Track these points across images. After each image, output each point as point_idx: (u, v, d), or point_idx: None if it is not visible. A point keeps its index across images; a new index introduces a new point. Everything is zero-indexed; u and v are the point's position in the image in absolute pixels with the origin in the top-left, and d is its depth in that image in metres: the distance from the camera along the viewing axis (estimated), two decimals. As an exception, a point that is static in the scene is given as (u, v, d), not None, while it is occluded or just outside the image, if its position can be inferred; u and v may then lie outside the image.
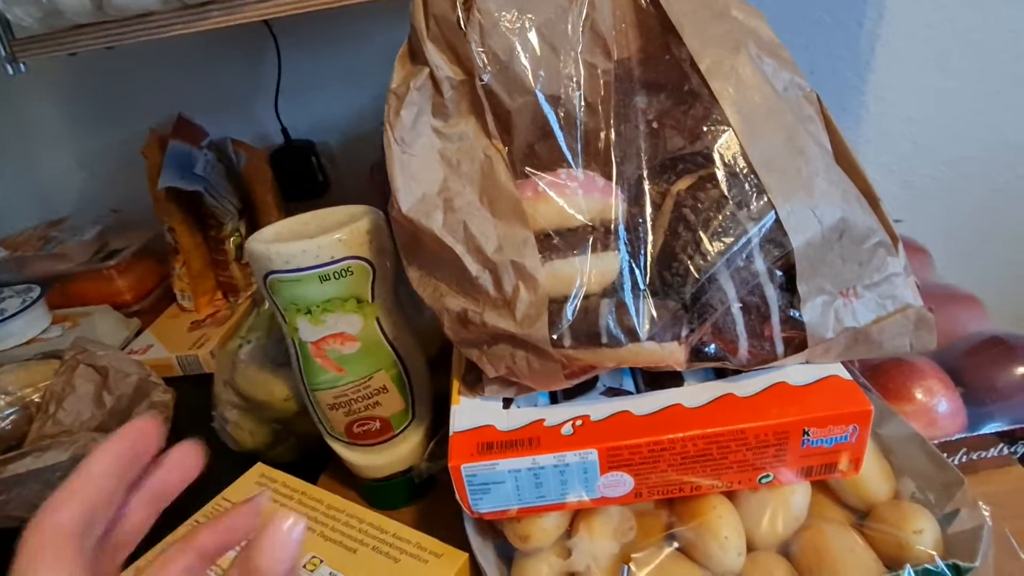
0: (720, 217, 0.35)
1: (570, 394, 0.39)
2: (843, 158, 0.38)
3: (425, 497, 0.52)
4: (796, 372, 0.37)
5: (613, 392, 0.39)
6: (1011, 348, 0.45)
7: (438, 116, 0.37)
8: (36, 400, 0.60)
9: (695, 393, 0.37)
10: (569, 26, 0.37)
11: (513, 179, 0.36)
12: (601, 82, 0.37)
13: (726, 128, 0.36)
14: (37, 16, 0.52)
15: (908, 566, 0.33)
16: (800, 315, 0.36)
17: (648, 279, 0.36)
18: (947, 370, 0.46)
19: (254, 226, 0.87)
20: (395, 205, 0.37)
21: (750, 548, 0.37)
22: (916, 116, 0.83)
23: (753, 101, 0.36)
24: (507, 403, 0.39)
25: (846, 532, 0.37)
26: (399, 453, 0.50)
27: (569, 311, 0.35)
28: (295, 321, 0.45)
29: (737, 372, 0.38)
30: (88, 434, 0.55)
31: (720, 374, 0.39)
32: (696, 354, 0.36)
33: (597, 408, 0.38)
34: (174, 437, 0.65)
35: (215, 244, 0.86)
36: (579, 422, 0.37)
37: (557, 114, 0.37)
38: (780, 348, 0.36)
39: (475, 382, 0.40)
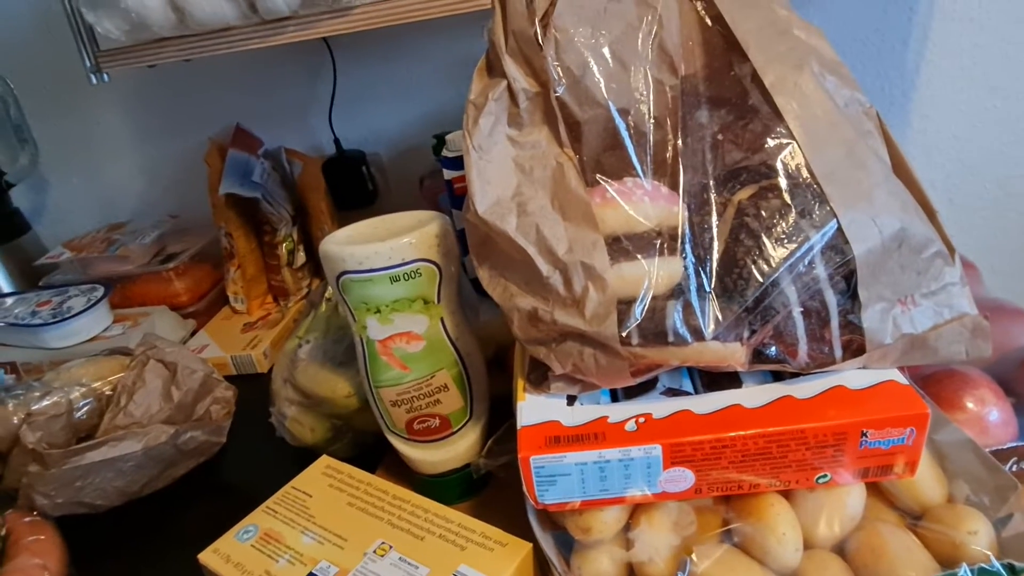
0: (783, 224, 0.37)
1: (631, 394, 0.41)
2: (902, 171, 0.40)
3: (479, 494, 0.54)
4: (853, 376, 0.38)
5: (673, 393, 0.41)
6: (1063, 360, 0.46)
7: (513, 125, 0.40)
8: (108, 393, 0.63)
9: (754, 394, 0.39)
10: (639, 43, 0.39)
11: (583, 186, 0.38)
12: (668, 96, 0.39)
13: (789, 141, 0.37)
14: (125, 29, 0.55)
15: (964, 565, 0.34)
16: (859, 320, 0.37)
17: (713, 283, 0.37)
18: (998, 381, 0.46)
19: (306, 233, 0.90)
20: (471, 207, 0.39)
21: (807, 546, 0.38)
22: (961, 134, 0.84)
23: (815, 115, 0.38)
24: (571, 401, 0.41)
25: (902, 532, 0.38)
26: (457, 450, 0.52)
27: (637, 311, 0.36)
28: (364, 319, 0.47)
29: (795, 375, 0.39)
30: (159, 426, 0.58)
31: (777, 377, 0.40)
32: (757, 355, 0.37)
33: (659, 407, 0.39)
34: (236, 430, 0.68)
35: (268, 249, 0.89)
36: (642, 419, 0.38)
37: (627, 125, 0.39)
38: (839, 352, 0.38)
39: (540, 380, 0.42)
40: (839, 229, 0.36)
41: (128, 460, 0.57)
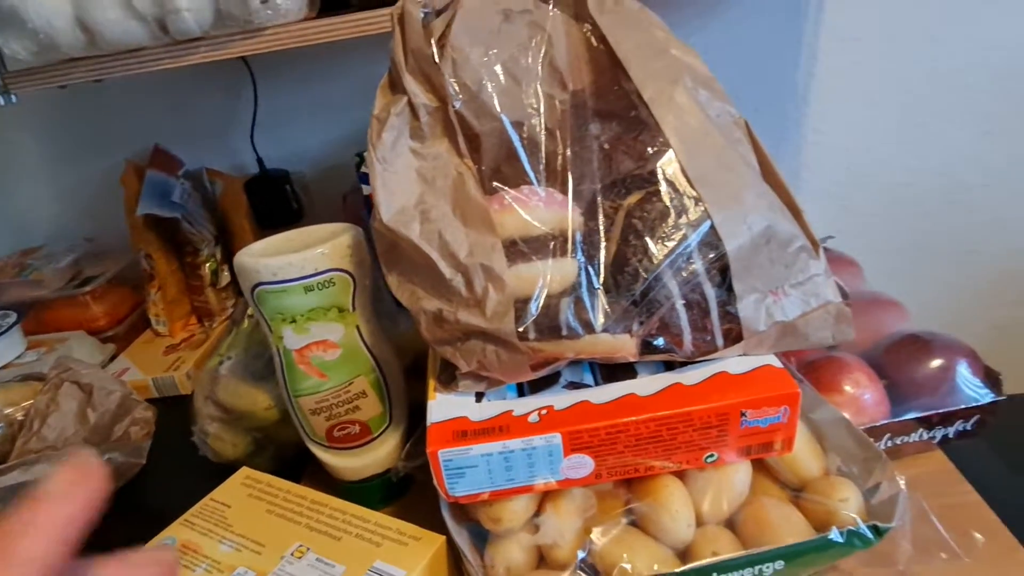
0: (664, 225, 0.40)
1: (536, 388, 0.43)
2: (770, 175, 0.44)
3: (402, 497, 0.55)
4: (735, 363, 0.42)
5: (574, 386, 0.43)
6: (927, 343, 0.50)
7: (415, 138, 0.42)
8: (20, 418, 0.62)
9: (647, 384, 0.42)
10: (530, 61, 0.42)
11: (482, 193, 0.41)
12: (559, 110, 0.43)
13: (667, 149, 0.41)
14: (33, 50, 0.55)
15: (834, 527, 0.38)
16: (736, 311, 0.40)
17: (602, 280, 0.40)
18: (872, 365, 0.51)
19: (230, 253, 0.90)
20: (377, 216, 0.41)
21: (699, 522, 0.41)
22: (851, 146, 0.91)
23: (689, 125, 0.41)
24: (479, 398, 0.43)
25: (783, 504, 0.41)
26: (377, 455, 0.53)
27: (533, 308, 0.39)
28: (280, 330, 0.48)
29: (684, 364, 0.43)
30: (74, 448, 0.57)
31: (669, 368, 0.44)
32: (647, 346, 0.40)
33: (560, 399, 0.42)
34: (155, 452, 0.67)
35: (191, 270, 0.88)
36: (544, 411, 0.41)
37: (520, 137, 0.42)
38: (720, 341, 0.41)
39: (449, 379, 0.44)
40: (712, 228, 0.40)
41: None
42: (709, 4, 0.83)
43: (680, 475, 0.42)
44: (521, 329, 0.39)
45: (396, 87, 0.42)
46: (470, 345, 0.41)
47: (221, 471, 0.60)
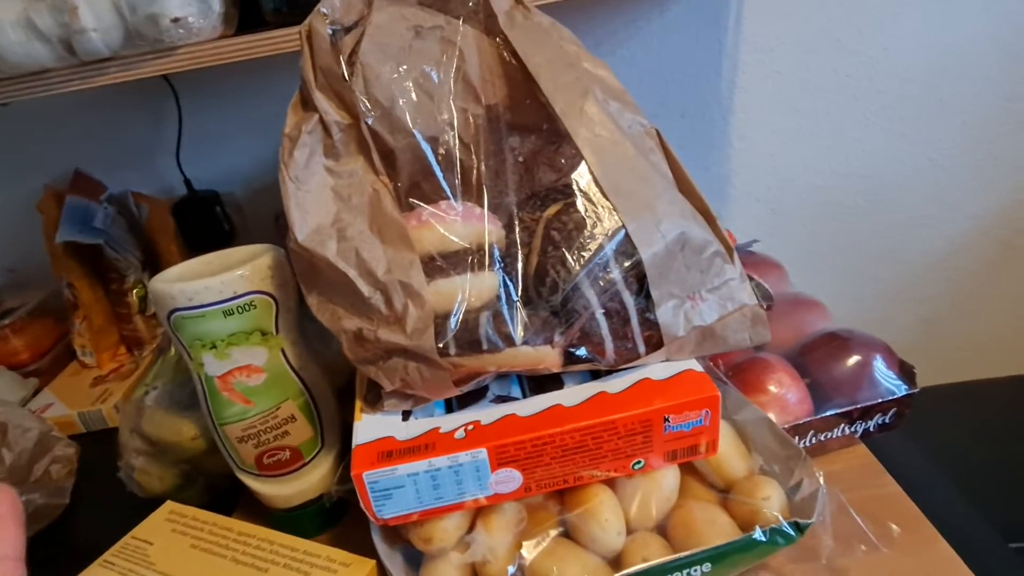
0: (581, 236, 0.40)
1: (464, 403, 0.43)
2: (683, 183, 0.45)
3: (338, 524, 0.54)
4: (658, 369, 0.42)
5: (502, 399, 0.43)
6: (845, 341, 0.52)
7: (329, 156, 0.41)
8: (-74, 462, 0.58)
9: (573, 394, 0.42)
10: (442, 76, 0.42)
11: (399, 210, 0.41)
12: (473, 125, 0.43)
13: (580, 160, 0.41)
14: (-72, 75, 0.53)
15: (757, 526, 0.39)
16: (655, 317, 0.41)
17: (521, 292, 0.40)
18: (794, 365, 0.52)
19: (159, 277, 0.87)
20: (292, 236, 0.40)
21: (630, 530, 0.41)
22: (775, 152, 0.94)
23: (601, 137, 0.42)
24: (405, 416, 0.43)
25: (709, 506, 0.42)
26: (310, 481, 0.52)
27: (453, 323, 0.39)
28: (201, 357, 0.47)
29: (609, 373, 0.43)
30: (-16, 491, 0.54)
31: (595, 376, 0.44)
32: (569, 357, 0.41)
33: (487, 413, 0.41)
34: (79, 490, 0.64)
35: (117, 298, 0.85)
36: (471, 427, 0.40)
37: (436, 152, 0.42)
38: (642, 348, 0.42)
39: (375, 399, 0.43)
40: (627, 236, 0.40)
41: (-50, 532, 0.53)
42: (631, 18, 0.84)
43: (610, 483, 0.42)
44: (441, 345, 0.39)
45: (307, 104, 0.42)
46: (392, 363, 0.40)
47: (149, 507, 0.58)
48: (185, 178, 0.89)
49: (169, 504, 0.49)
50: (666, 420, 0.40)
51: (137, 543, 0.45)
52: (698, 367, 0.42)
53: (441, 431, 0.41)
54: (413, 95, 0.41)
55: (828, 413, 0.49)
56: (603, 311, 0.40)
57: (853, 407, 0.50)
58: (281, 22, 0.57)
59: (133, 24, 0.53)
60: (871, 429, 0.52)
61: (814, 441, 0.51)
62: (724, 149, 0.93)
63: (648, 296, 0.41)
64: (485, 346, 0.39)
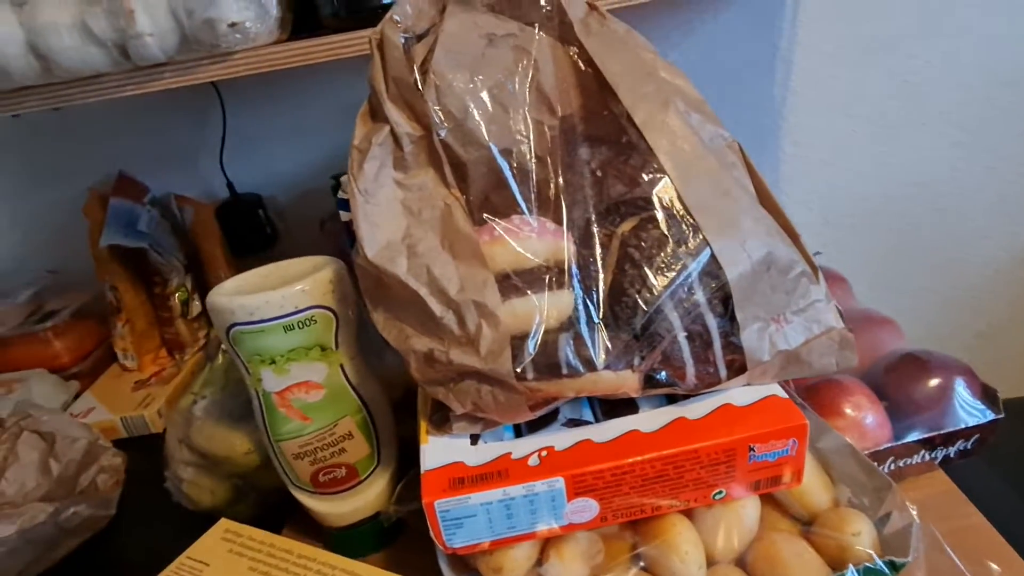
0: (662, 254, 0.39)
1: (534, 427, 0.41)
2: (766, 199, 0.43)
3: (394, 543, 0.53)
4: (739, 394, 0.40)
5: (574, 423, 0.41)
6: (925, 363, 0.50)
7: (399, 168, 0.40)
8: (-23, 471, 0.58)
9: (650, 419, 0.40)
10: (517, 87, 0.41)
11: (471, 225, 0.39)
12: (548, 136, 0.41)
13: (662, 175, 0.40)
14: (-17, 79, 0.52)
15: (851, 566, 0.36)
16: (739, 341, 0.39)
17: (601, 313, 0.38)
18: (871, 387, 0.50)
19: (202, 281, 0.86)
20: (361, 252, 0.39)
21: (709, 562, 0.39)
22: (828, 159, 0.91)
23: (683, 150, 0.40)
24: (474, 440, 0.41)
25: (794, 540, 0.39)
26: (366, 499, 0.50)
27: (531, 346, 0.37)
28: (259, 372, 0.45)
29: (687, 397, 0.41)
30: (36, 504, 0.53)
31: (671, 400, 0.42)
32: (649, 381, 0.39)
33: (560, 439, 0.40)
34: (126, 500, 0.64)
35: (160, 301, 0.84)
36: (544, 453, 0.39)
37: (510, 165, 0.40)
38: (723, 372, 0.40)
39: (442, 421, 0.42)
40: (712, 256, 0.38)
41: (2, 545, 0.52)
42: (686, 20, 0.82)
43: (687, 513, 0.40)
44: (519, 369, 0.37)
45: (377, 115, 0.40)
46: (464, 386, 0.39)
47: (198, 519, 0.57)
48: (228, 181, 0.88)
49: (224, 522, 0.48)
50: (751, 449, 0.38)
51: (192, 563, 0.44)
52: (781, 393, 0.40)
53: (513, 457, 0.39)
54: (488, 106, 0.40)
55: (910, 439, 0.47)
56: (685, 334, 0.38)
57: (936, 433, 0.47)
58: (338, 26, 0.55)
59: (190, 29, 0.52)
60: (951, 455, 0.49)
61: (892, 468, 0.48)
62: (776, 155, 0.91)
63: (732, 318, 0.39)
64: (565, 371, 0.37)
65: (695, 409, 0.40)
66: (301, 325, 0.44)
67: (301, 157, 0.90)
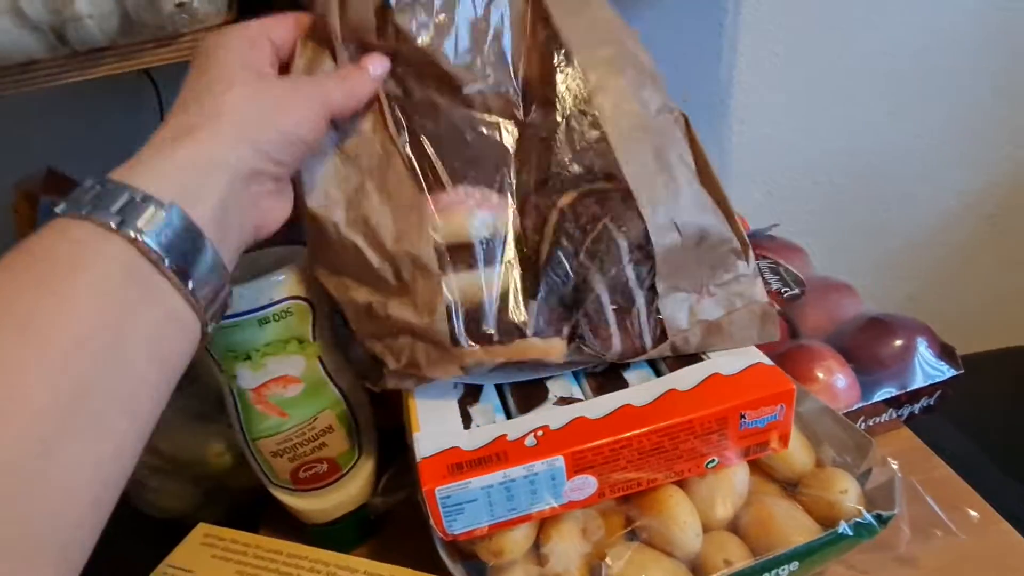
0: (595, 226, 0.40)
1: (525, 407, 0.41)
2: (705, 175, 0.44)
3: (376, 535, 0.52)
4: (726, 363, 0.41)
5: (565, 401, 0.41)
6: (888, 325, 0.52)
7: None
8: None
9: (641, 393, 0.40)
10: (476, 41, 0.42)
11: (411, 174, 0.40)
12: (502, 99, 0.42)
13: (605, 144, 0.41)
14: (-101, 67, 0.47)
15: (842, 521, 0.38)
16: (660, 310, 0.41)
17: (533, 283, 0.39)
18: (838, 350, 0.52)
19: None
20: (302, 200, 0.39)
21: (704, 529, 0.40)
22: (772, 134, 0.93)
23: (629, 120, 0.41)
24: (467, 424, 0.40)
25: (784, 501, 0.41)
26: (349, 492, 0.49)
27: (464, 313, 0.39)
28: (233, 369, 0.43)
29: (674, 370, 0.41)
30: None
31: (658, 374, 0.42)
32: (577, 349, 0.40)
33: (554, 417, 0.39)
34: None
35: (101, 303, 0.80)
36: (540, 432, 0.38)
37: (460, 124, 0.41)
38: (649, 342, 0.41)
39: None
40: (644, 228, 0.39)
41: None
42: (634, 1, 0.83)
43: (680, 483, 0.41)
44: (453, 334, 0.38)
45: (321, 50, 0.40)
46: (400, 343, 0.39)
47: (162, 526, 0.54)
48: (168, 174, 0.83)
49: (203, 526, 0.45)
50: (743, 416, 0.39)
51: (175, 572, 0.42)
52: (767, 360, 0.41)
53: (509, 438, 0.38)
54: (444, 56, 0.40)
55: (878, 399, 0.49)
56: (613, 305, 0.40)
57: (903, 391, 0.49)
58: (288, 4, 0.53)
59: (133, 10, 0.48)
60: (915, 412, 0.52)
61: (862, 427, 0.50)
62: (722, 131, 0.92)
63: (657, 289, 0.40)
64: (497, 337, 0.38)
65: (684, 380, 0.40)
66: (277, 318, 0.43)
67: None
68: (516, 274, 0.40)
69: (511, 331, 0.39)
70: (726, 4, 0.85)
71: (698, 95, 0.89)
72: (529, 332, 0.39)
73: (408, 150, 0.41)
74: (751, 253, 0.44)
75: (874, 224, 1.01)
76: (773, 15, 0.86)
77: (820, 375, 0.49)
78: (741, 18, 0.86)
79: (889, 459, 0.40)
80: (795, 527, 0.39)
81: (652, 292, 0.41)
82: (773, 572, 0.37)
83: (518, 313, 0.39)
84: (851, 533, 0.37)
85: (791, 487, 0.42)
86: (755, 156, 0.94)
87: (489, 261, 0.40)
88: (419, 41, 0.40)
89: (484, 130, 0.42)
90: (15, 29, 0.47)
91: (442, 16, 0.41)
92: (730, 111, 0.92)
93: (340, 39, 0.40)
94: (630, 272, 0.40)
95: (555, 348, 0.40)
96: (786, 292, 0.56)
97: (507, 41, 0.43)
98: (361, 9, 0.40)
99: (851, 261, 1.04)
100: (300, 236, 0.43)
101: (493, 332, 0.39)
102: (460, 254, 0.40)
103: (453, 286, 0.39)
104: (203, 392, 0.56)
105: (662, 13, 0.84)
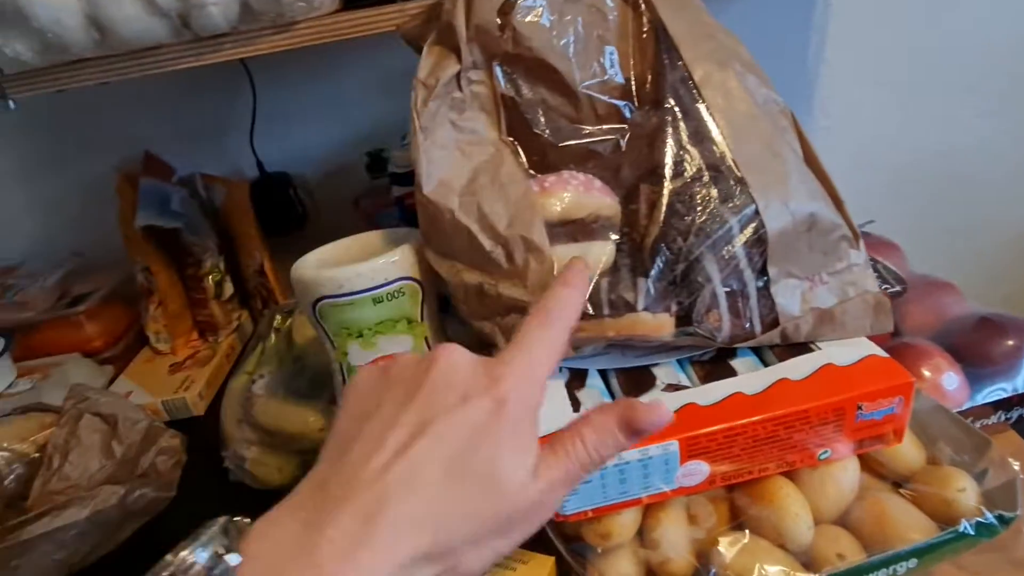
0: (708, 209, 0.40)
1: (632, 393, 0.41)
2: (813, 164, 0.44)
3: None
4: (839, 354, 0.41)
5: (673, 388, 0.41)
6: (999, 326, 0.50)
7: (454, 109, 0.42)
8: (35, 455, 0.56)
9: (751, 381, 0.40)
10: (585, 43, 0.43)
11: (522, 168, 0.41)
12: (611, 96, 0.43)
13: (715, 131, 0.41)
14: (37, 50, 0.50)
15: (963, 520, 0.37)
16: (772, 295, 0.40)
17: (643, 262, 0.40)
18: (944, 348, 0.50)
19: (235, 262, 0.85)
20: (418, 187, 0.41)
21: (815, 522, 0.39)
22: (859, 127, 0.91)
23: (738, 110, 0.42)
24: (576, 407, 0.41)
25: (898, 497, 0.40)
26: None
27: None
28: (345, 346, 0.45)
29: (783, 359, 0.41)
30: (106, 488, 0.52)
31: (766, 364, 0.42)
32: (685, 329, 0.40)
33: (664, 403, 0.39)
34: (186, 481, 0.62)
35: (193, 283, 0.83)
36: (653, 417, 0.38)
37: (568, 120, 0.43)
38: (758, 327, 0.41)
39: None
40: (756, 212, 0.39)
41: (71, 529, 0.51)
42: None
43: (790, 474, 0.41)
44: None
45: (446, 53, 0.42)
46: (510, 320, 0.40)
47: (260, 496, 0.56)
48: (257, 159, 0.86)
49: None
50: (859, 408, 0.38)
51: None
52: (881, 352, 0.40)
53: (622, 422, 0.39)
54: (556, 58, 0.42)
55: (989, 399, 0.48)
56: (723, 285, 0.40)
57: (1014, 393, 0.48)
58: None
59: (253, -3, 0.50)
60: (1024, 415, 0.50)
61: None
62: (806, 122, 0.90)
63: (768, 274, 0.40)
64: (606, 311, 0.39)
65: (796, 370, 0.40)
66: (390, 297, 0.44)
67: (330, 134, 0.89)
68: (625, 254, 0.41)
69: (620, 306, 0.40)
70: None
71: (784, 82, 0.87)
72: (639, 307, 0.40)
73: (519, 147, 0.42)
74: (862, 243, 0.44)
75: (968, 224, 0.98)
76: (862, 7, 0.84)
77: (927, 373, 0.48)
78: (831, 9, 0.84)
79: (1011, 460, 0.39)
80: (911, 524, 0.38)
81: (763, 276, 0.41)
82: (891, 569, 0.37)
83: (628, 289, 0.40)
84: (972, 532, 0.37)
85: (898, 484, 0.42)
86: (840, 148, 0.92)
87: (598, 238, 0.41)
88: (534, 42, 0.42)
89: (592, 129, 0.43)
90: (145, 16, 0.49)
91: (555, 17, 0.43)
92: (815, 102, 0.90)
93: (465, 40, 0.42)
94: (741, 253, 0.40)
95: (665, 324, 0.40)
96: (887, 289, 0.54)
97: (615, 41, 0.44)
98: (486, 9, 0.41)
99: (944, 260, 1.00)
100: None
101: (604, 306, 0.39)
102: (569, 231, 0.41)
103: (560, 262, 0.39)
104: (300, 371, 0.58)
105: (749, 4, 0.83)
